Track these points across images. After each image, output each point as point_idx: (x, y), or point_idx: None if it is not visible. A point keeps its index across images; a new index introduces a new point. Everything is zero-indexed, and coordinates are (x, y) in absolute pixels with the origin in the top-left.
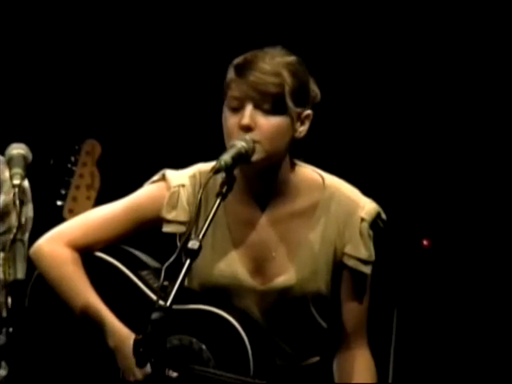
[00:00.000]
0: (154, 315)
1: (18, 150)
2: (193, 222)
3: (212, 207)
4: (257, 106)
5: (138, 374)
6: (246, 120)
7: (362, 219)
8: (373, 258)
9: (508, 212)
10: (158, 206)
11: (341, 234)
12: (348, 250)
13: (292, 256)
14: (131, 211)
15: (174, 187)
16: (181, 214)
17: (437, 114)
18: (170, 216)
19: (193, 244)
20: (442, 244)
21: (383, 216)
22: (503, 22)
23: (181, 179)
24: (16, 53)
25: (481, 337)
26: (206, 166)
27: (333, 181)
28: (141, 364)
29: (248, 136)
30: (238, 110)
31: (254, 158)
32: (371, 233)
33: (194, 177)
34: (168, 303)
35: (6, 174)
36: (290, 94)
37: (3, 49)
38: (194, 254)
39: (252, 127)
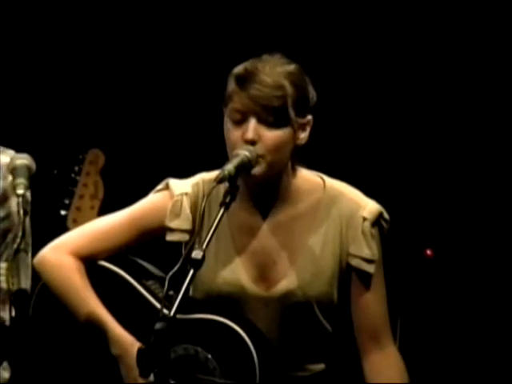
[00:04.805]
0: (158, 325)
1: (21, 159)
2: (197, 232)
3: (215, 217)
4: (260, 120)
5: (140, 382)
6: (250, 135)
7: (364, 218)
8: (376, 257)
9: (511, 222)
10: (161, 215)
11: (344, 235)
12: (352, 250)
13: (293, 260)
14: (135, 220)
15: (177, 196)
16: (184, 222)
17: (441, 124)
18: (173, 224)
19: (196, 254)
20: (445, 254)
21: (386, 216)
22: (503, 22)
23: (184, 188)
24: (20, 62)
25: (485, 346)
26: (209, 175)
27: (334, 183)
28: (144, 374)
29: (252, 148)
30: (240, 122)
31: (256, 170)
32: (374, 232)
33: (197, 185)
34: (172, 313)
35: (2, 160)
36: (292, 105)
37: (7, 58)
38: (197, 264)
39: (256, 141)
